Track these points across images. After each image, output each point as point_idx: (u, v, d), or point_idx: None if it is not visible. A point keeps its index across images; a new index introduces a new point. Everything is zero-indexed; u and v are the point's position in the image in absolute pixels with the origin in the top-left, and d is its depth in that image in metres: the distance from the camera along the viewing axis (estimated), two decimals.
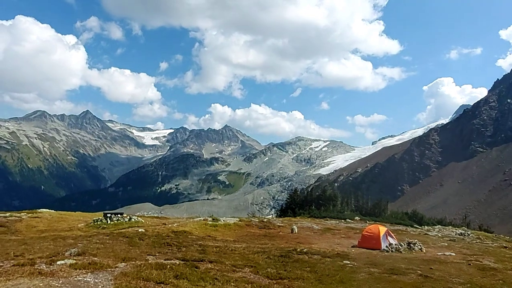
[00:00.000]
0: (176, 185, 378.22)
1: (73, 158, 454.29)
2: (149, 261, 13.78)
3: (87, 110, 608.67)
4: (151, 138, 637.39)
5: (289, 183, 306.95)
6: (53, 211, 37.30)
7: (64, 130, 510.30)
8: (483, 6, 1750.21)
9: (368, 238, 23.28)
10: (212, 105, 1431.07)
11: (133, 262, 13.44)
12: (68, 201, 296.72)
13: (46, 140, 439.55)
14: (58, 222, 29.31)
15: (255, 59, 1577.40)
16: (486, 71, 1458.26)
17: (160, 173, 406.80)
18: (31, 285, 9.40)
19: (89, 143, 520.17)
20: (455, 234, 36.49)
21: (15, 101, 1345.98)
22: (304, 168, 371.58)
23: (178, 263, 13.97)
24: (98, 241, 18.61)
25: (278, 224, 34.88)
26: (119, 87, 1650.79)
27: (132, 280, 10.49)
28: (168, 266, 12.77)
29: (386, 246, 22.48)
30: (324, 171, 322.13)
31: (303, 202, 63.27)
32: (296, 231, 29.93)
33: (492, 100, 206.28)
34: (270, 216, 78.25)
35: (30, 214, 31.59)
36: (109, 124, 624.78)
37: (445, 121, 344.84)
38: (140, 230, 24.34)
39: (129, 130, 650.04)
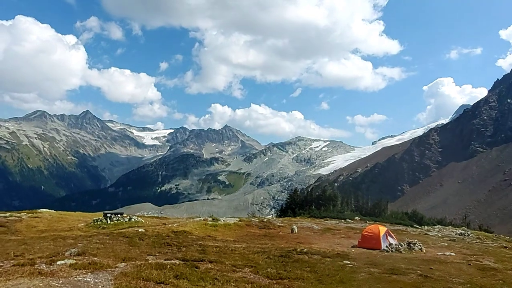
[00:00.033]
0: (176, 185, 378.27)
1: (73, 158, 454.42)
2: (149, 261, 13.78)
3: (87, 110, 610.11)
4: (151, 138, 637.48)
5: (289, 183, 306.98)
6: (53, 211, 37.30)
7: (64, 130, 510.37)
8: (483, 6, 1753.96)
9: (368, 238, 23.28)
10: (212, 105, 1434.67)
11: (133, 262, 13.44)
12: (68, 201, 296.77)
13: (46, 140, 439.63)
14: (58, 222, 29.32)
15: (255, 59, 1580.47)
16: (486, 71, 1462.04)
17: (160, 173, 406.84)
18: (31, 285, 9.40)
19: (89, 143, 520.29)
20: (455, 234, 36.49)
21: (15, 101, 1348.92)
22: (304, 168, 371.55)
23: (178, 263, 13.97)
24: (98, 241, 18.61)
25: (278, 224, 34.87)
26: (119, 87, 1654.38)
27: (132, 280, 10.50)
28: (168, 266, 12.77)
29: (386, 246, 22.48)
30: (324, 171, 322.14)
31: (303, 202, 63.22)
32: (296, 231, 29.92)
33: (492, 100, 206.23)
34: (270, 216, 78.20)
35: (30, 214, 31.60)
36: (109, 124, 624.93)
37: (445, 121, 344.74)
38: (140, 230, 24.34)
39: (129, 130, 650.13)
